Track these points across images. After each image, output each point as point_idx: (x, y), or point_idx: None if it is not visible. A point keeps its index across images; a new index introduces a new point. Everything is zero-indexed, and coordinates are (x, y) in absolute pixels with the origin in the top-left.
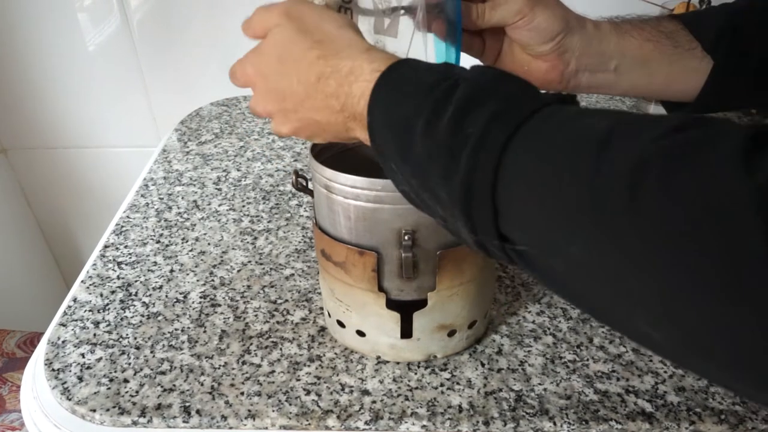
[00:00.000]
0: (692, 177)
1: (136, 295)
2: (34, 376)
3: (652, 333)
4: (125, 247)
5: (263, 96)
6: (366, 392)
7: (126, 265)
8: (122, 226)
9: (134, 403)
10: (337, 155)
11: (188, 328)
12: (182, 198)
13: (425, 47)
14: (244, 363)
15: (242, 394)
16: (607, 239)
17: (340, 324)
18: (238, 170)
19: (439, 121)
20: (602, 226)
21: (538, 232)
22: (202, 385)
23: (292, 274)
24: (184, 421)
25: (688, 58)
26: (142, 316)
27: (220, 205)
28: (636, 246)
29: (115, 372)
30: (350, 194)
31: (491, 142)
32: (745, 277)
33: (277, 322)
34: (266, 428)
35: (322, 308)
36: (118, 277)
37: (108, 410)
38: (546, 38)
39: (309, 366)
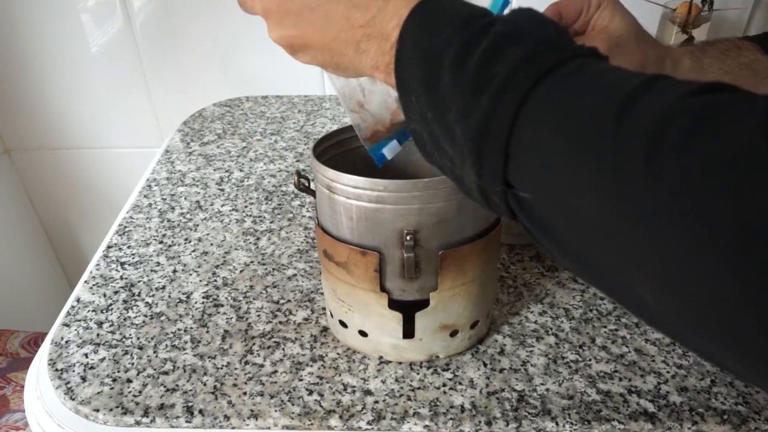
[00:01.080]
0: (716, 140)
1: (139, 295)
2: (37, 376)
3: (648, 299)
4: (128, 247)
5: None
6: (368, 392)
7: (129, 265)
8: (125, 227)
9: (137, 403)
10: (338, 156)
11: (191, 328)
12: (185, 198)
13: None
14: (246, 363)
15: (245, 394)
16: (621, 194)
17: (343, 324)
18: (241, 171)
19: (470, 55)
20: (618, 180)
21: (548, 180)
22: (204, 385)
23: (295, 275)
24: (186, 421)
25: (766, 84)
26: (145, 316)
27: (222, 206)
28: (649, 205)
29: (118, 372)
30: (352, 194)
31: (517, 84)
32: (757, 250)
33: (280, 323)
34: (269, 428)
35: (324, 308)
36: (122, 278)
37: (111, 410)
38: None
39: (311, 366)
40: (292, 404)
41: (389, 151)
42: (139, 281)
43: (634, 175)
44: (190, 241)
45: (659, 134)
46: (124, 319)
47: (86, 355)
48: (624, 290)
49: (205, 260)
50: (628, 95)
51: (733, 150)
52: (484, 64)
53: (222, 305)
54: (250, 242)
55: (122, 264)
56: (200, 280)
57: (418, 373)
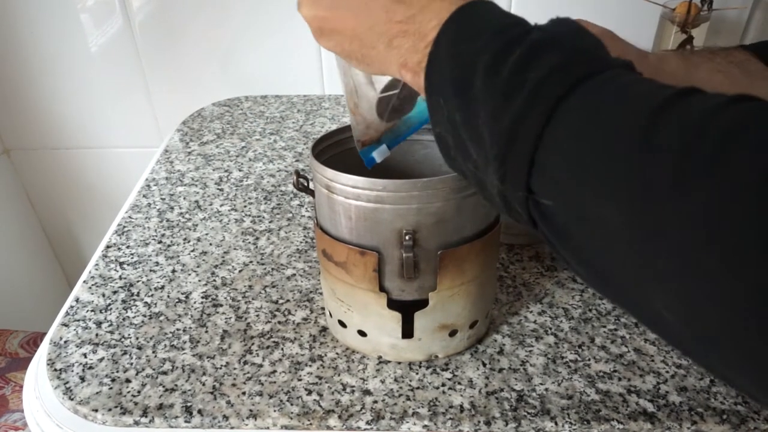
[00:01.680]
0: (745, 155)
1: (138, 295)
2: (36, 376)
3: (666, 314)
4: (127, 247)
5: None
6: (367, 392)
7: (128, 265)
8: (124, 227)
9: (136, 403)
10: (337, 155)
11: (190, 328)
12: (184, 198)
13: None
14: (245, 363)
15: (244, 394)
16: (646, 206)
17: (342, 324)
18: (240, 170)
19: (504, 61)
20: (644, 193)
21: (572, 188)
22: (203, 385)
23: (294, 274)
24: (185, 421)
25: (760, 86)
26: (144, 316)
27: (221, 206)
28: (675, 219)
29: (117, 372)
30: (351, 194)
31: (548, 91)
32: None
33: (279, 322)
34: (268, 428)
35: (323, 308)
36: (120, 278)
37: (110, 410)
38: None
39: (310, 366)
40: (291, 404)
41: (378, 154)
42: (138, 281)
43: (662, 188)
44: (189, 241)
45: (688, 148)
46: (123, 319)
47: (85, 355)
48: (641, 304)
49: (204, 260)
50: (658, 107)
51: (763, 166)
52: (518, 70)
53: (221, 305)
54: (249, 242)
55: (121, 264)
56: (199, 280)
57: (417, 373)
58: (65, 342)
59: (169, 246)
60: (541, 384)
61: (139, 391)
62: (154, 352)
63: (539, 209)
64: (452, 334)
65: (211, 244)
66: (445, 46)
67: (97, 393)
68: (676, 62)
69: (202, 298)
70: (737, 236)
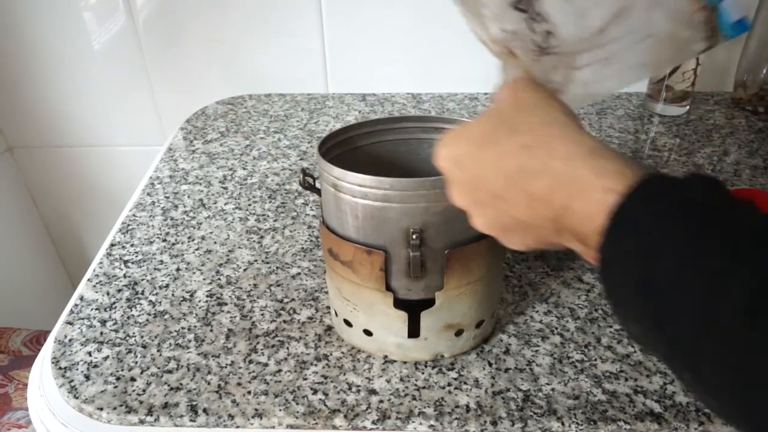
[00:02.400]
0: None
1: (142, 293)
2: (41, 374)
3: None
4: (131, 245)
5: (457, 185)
6: (373, 392)
7: (132, 263)
8: (128, 225)
9: (141, 402)
10: (344, 153)
11: (195, 326)
12: (188, 197)
13: None
14: (250, 362)
15: (249, 393)
16: None
17: (347, 323)
18: (244, 169)
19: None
20: None
21: None
22: (208, 384)
23: (299, 273)
24: (191, 420)
25: None
26: (149, 314)
27: (226, 204)
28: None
29: (122, 370)
30: (358, 193)
31: None
32: None
33: (284, 321)
34: (273, 427)
35: (328, 307)
36: (125, 276)
37: (115, 409)
38: None
39: (316, 365)
40: (297, 403)
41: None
42: (142, 279)
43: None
44: (193, 240)
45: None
46: (128, 318)
47: (90, 354)
48: None
49: (208, 258)
50: None
51: None
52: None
53: (226, 304)
54: (254, 241)
55: (125, 262)
56: (204, 279)
57: (423, 373)
58: (70, 340)
59: (173, 244)
60: (548, 384)
61: (144, 390)
62: (158, 350)
63: None
64: (458, 333)
65: (215, 243)
66: (618, 265)
67: (102, 391)
68: None
69: (207, 296)
70: None
